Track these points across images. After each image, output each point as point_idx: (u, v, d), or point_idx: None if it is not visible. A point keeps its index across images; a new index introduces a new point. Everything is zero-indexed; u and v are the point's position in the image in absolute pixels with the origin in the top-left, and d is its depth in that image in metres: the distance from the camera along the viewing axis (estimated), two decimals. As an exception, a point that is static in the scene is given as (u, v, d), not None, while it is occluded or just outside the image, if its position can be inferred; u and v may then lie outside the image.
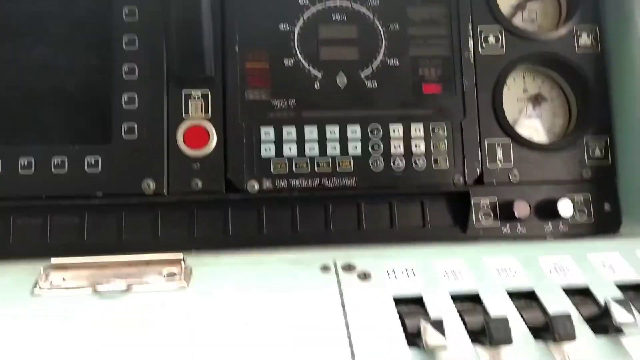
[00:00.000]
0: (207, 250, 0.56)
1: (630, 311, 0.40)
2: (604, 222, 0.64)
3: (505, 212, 0.63)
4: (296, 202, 0.62)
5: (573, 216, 0.63)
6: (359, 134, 0.62)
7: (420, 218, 0.63)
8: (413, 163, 0.63)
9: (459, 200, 0.63)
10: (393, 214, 0.63)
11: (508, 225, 0.63)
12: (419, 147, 0.63)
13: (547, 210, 0.62)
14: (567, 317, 0.39)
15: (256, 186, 0.60)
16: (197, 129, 0.60)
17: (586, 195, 0.64)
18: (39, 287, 0.44)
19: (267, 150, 0.61)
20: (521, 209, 0.61)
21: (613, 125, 0.65)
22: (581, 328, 0.42)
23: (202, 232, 0.60)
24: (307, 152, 0.61)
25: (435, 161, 0.63)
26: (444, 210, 0.64)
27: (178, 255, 0.48)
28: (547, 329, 0.40)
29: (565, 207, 0.61)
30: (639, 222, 0.62)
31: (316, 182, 0.61)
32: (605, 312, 0.41)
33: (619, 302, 0.40)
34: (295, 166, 0.61)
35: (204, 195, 0.59)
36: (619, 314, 0.40)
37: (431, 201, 0.64)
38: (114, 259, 0.48)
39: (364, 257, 0.50)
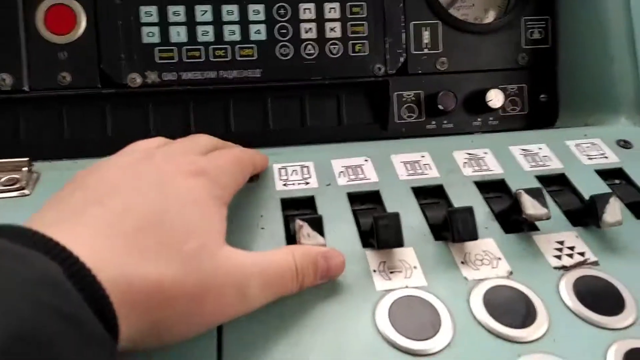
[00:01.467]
0: (84, 155, 0.48)
1: (543, 203, 0.35)
2: (539, 114, 0.58)
3: (430, 105, 0.55)
4: (190, 98, 0.53)
5: (505, 108, 0.57)
6: (262, 16, 0.53)
7: (336, 115, 0.56)
8: (327, 50, 0.54)
9: (380, 94, 0.56)
10: (304, 110, 0.55)
11: (434, 121, 0.56)
12: (334, 30, 0.54)
13: (476, 103, 0.56)
14: (468, 211, 0.34)
15: (138, 79, 0.51)
16: (60, 8, 0.49)
17: (521, 85, 0.58)
18: None
19: (150, 35, 0.51)
20: (445, 100, 0.54)
21: (555, 3, 0.57)
22: (490, 225, 0.37)
23: (75, 134, 0.51)
24: (200, 37, 0.52)
25: (353, 47, 0.54)
26: (363, 105, 0.56)
27: (23, 160, 0.40)
28: (447, 228, 0.34)
29: (495, 98, 0.54)
30: (577, 114, 0.56)
31: (212, 74, 0.52)
32: (514, 204, 0.35)
33: (530, 192, 0.35)
34: (186, 55, 0.51)
35: (75, 90, 0.50)
36: (530, 206, 0.34)
37: (348, 95, 0.56)
38: (-56, 164, 0.39)
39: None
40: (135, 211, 0.25)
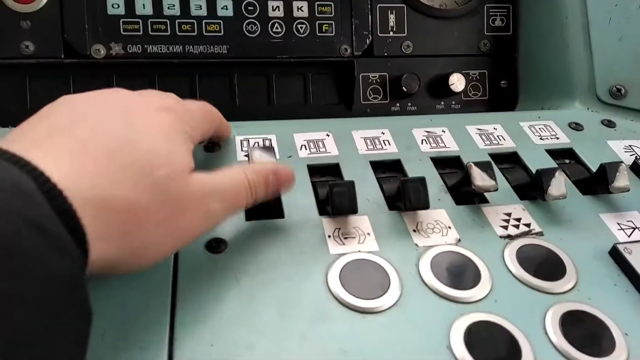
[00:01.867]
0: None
1: (492, 176, 0.36)
2: (499, 100, 0.60)
3: (395, 87, 0.57)
4: (155, 71, 0.53)
5: (467, 93, 0.59)
6: (230, -8, 0.53)
7: (302, 94, 0.57)
8: (294, 29, 0.54)
9: (346, 74, 0.57)
10: (271, 88, 0.56)
11: (398, 103, 0.58)
12: (301, 9, 0.54)
13: (439, 86, 0.57)
14: (420, 181, 0.35)
15: (102, 51, 0.50)
16: (22, -24, 0.49)
17: (482, 71, 0.59)
18: None
19: (115, 6, 0.50)
20: (409, 83, 0.55)
21: (517, -9, 0.59)
22: (443, 197, 0.38)
23: (38, 103, 0.50)
24: (166, 10, 0.51)
25: (320, 27, 0.55)
26: (329, 86, 0.57)
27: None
28: (399, 198, 0.36)
29: (457, 82, 0.56)
30: (535, 99, 0.58)
31: (178, 48, 0.52)
32: (465, 176, 0.37)
33: (479, 165, 0.36)
34: (152, 28, 0.51)
35: (37, 60, 0.49)
36: (479, 178, 0.36)
37: (314, 74, 0.56)
38: None
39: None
40: (101, 137, 0.25)
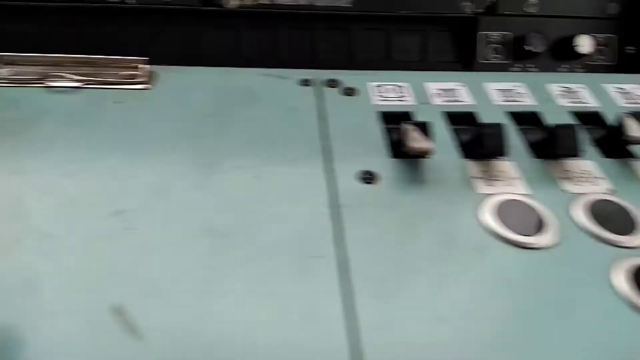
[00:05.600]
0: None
1: (646, 127, 0.35)
2: (625, 66, 0.57)
3: (517, 48, 0.55)
4: (280, 22, 0.54)
5: (591, 57, 0.56)
6: (357, -54, 0.53)
7: (420, 50, 0.56)
8: (417, -15, 0.54)
9: (466, 33, 0.56)
10: (389, 43, 0.56)
11: (519, 64, 0.56)
12: (426, -35, 0.54)
13: (563, 48, 0.55)
14: (572, 128, 0.34)
15: (235, 1, 0.52)
16: None
17: (609, 35, 0.57)
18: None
19: (249, -43, 0.52)
20: (535, 42, 0.54)
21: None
22: (588, 149, 0.38)
23: (171, 48, 0.53)
24: (296, -37, 0.53)
25: (443, -16, 0.55)
26: (447, 43, 0.57)
27: (143, 59, 0.42)
28: (549, 144, 0.35)
29: (584, 44, 0.54)
30: (664, 67, 0.55)
31: (304, 1, 0.53)
32: (616, 127, 0.36)
33: (635, 114, 0.35)
34: (282, -21, 0.53)
35: (175, 6, 0.52)
36: (634, 128, 0.35)
37: (434, 31, 0.56)
38: (69, 57, 0.42)
39: (351, 74, 0.45)
40: None
